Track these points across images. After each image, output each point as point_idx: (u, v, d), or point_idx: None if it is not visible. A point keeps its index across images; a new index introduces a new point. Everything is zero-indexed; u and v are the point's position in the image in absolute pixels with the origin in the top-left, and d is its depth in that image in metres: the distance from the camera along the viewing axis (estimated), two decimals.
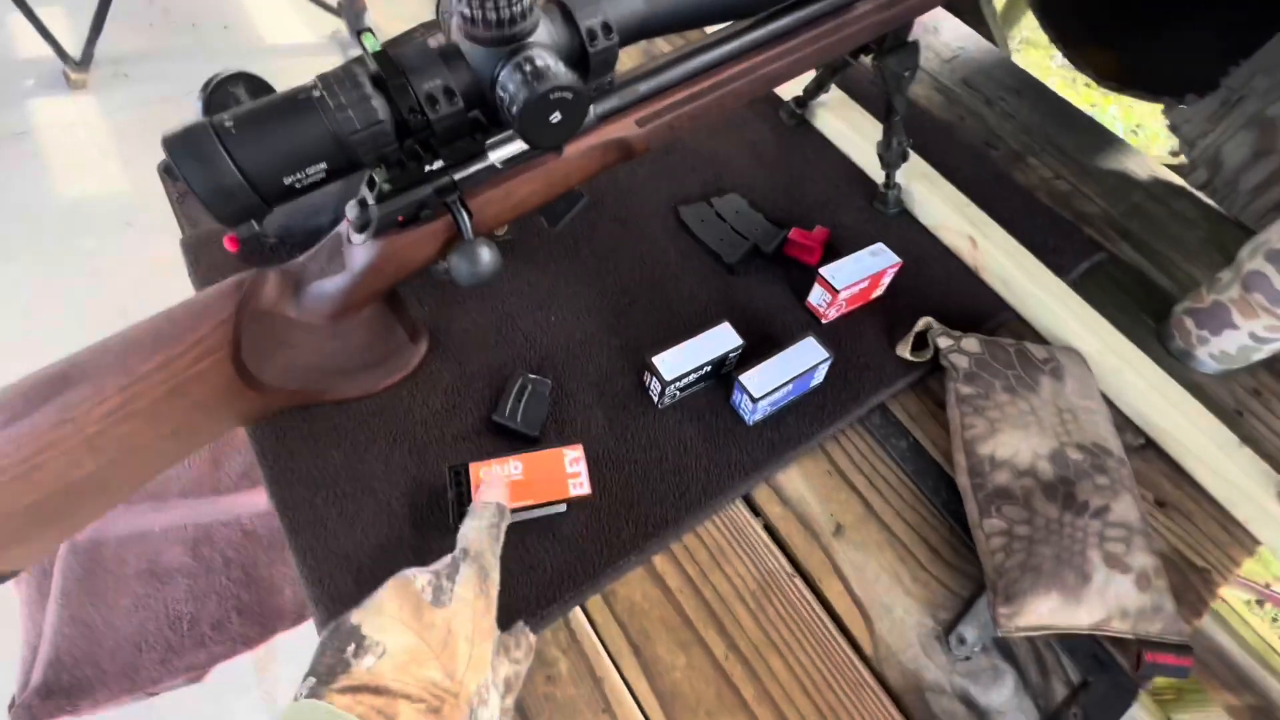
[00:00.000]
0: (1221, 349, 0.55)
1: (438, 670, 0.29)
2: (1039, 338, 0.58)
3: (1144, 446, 0.53)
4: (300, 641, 0.73)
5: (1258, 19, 0.65)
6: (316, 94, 0.29)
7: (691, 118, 0.43)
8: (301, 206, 0.52)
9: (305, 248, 0.54)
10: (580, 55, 0.34)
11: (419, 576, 0.32)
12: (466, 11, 0.30)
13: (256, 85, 0.33)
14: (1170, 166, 0.76)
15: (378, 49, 0.30)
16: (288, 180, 0.30)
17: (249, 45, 1.97)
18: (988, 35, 0.96)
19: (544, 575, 0.42)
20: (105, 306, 1.49)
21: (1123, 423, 0.54)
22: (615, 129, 0.40)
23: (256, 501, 0.86)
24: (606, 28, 0.34)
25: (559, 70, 0.31)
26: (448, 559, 0.34)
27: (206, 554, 0.82)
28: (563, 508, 0.43)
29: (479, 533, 0.36)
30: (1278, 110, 0.63)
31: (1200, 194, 0.71)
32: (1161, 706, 0.77)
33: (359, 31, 0.30)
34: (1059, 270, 0.59)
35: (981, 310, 0.58)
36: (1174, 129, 0.71)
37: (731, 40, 0.42)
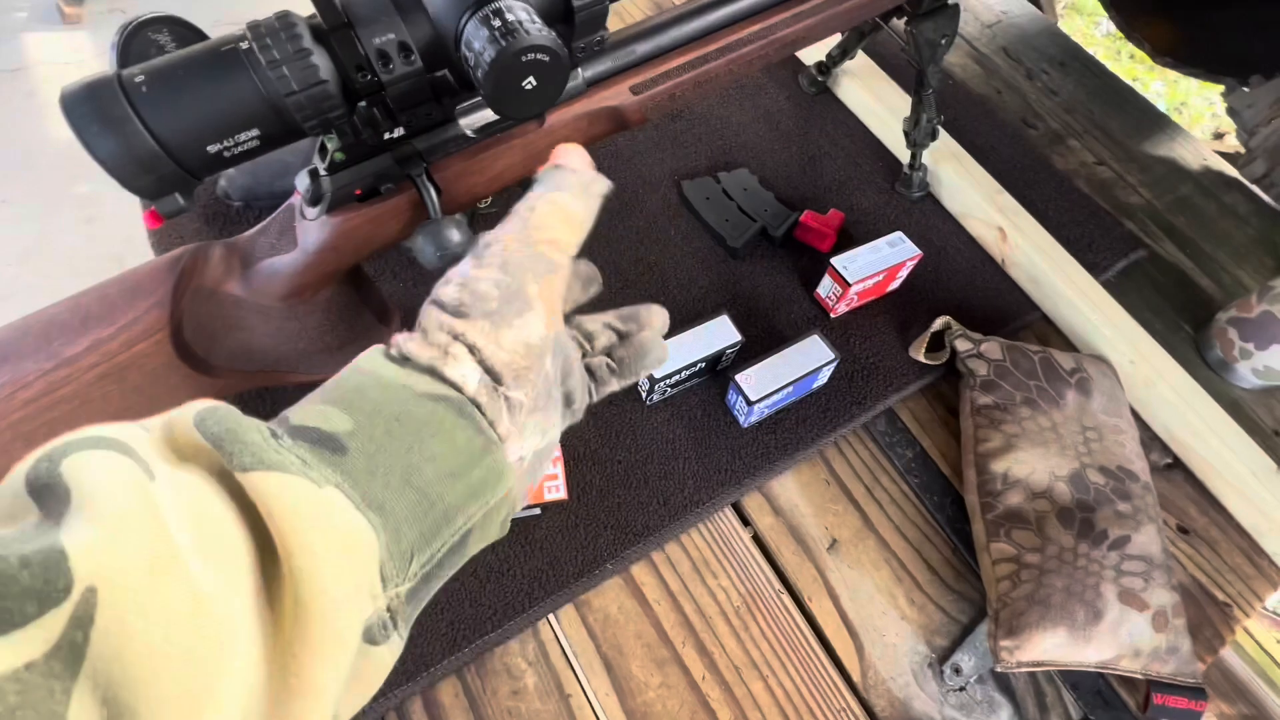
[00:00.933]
0: (1266, 364, 0.50)
1: (544, 314, 0.23)
2: (1067, 343, 0.53)
3: (1171, 466, 0.49)
4: None
5: None
6: (244, 46, 0.25)
7: (696, 85, 0.38)
8: (269, 164, 0.48)
9: (270, 207, 0.50)
10: (564, 8, 0.29)
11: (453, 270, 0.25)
12: None
13: (186, 32, 0.28)
14: (1224, 154, 0.69)
15: None
16: (213, 149, 0.25)
17: None
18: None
19: (513, 581, 0.39)
20: (99, 253, 1.46)
21: (1150, 440, 0.50)
22: (606, 96, 0.35)
23: None
24: None
25: (534, 27, 0.26)
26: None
27: None
28: (537, 511, 0.40)
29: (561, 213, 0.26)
30: None
31: (1255, 188, 0.65)
32: None
33: None
34: (1093, 268, 0.54)
35: (1006, 310, 0.54)
36: (1233, 114, 0.65)
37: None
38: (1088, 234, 0.58)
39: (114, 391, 0.34)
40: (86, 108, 0.23)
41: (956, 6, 0.48)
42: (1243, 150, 0.65)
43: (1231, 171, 0.67)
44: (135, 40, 0.27)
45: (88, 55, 1.71)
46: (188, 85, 0.24)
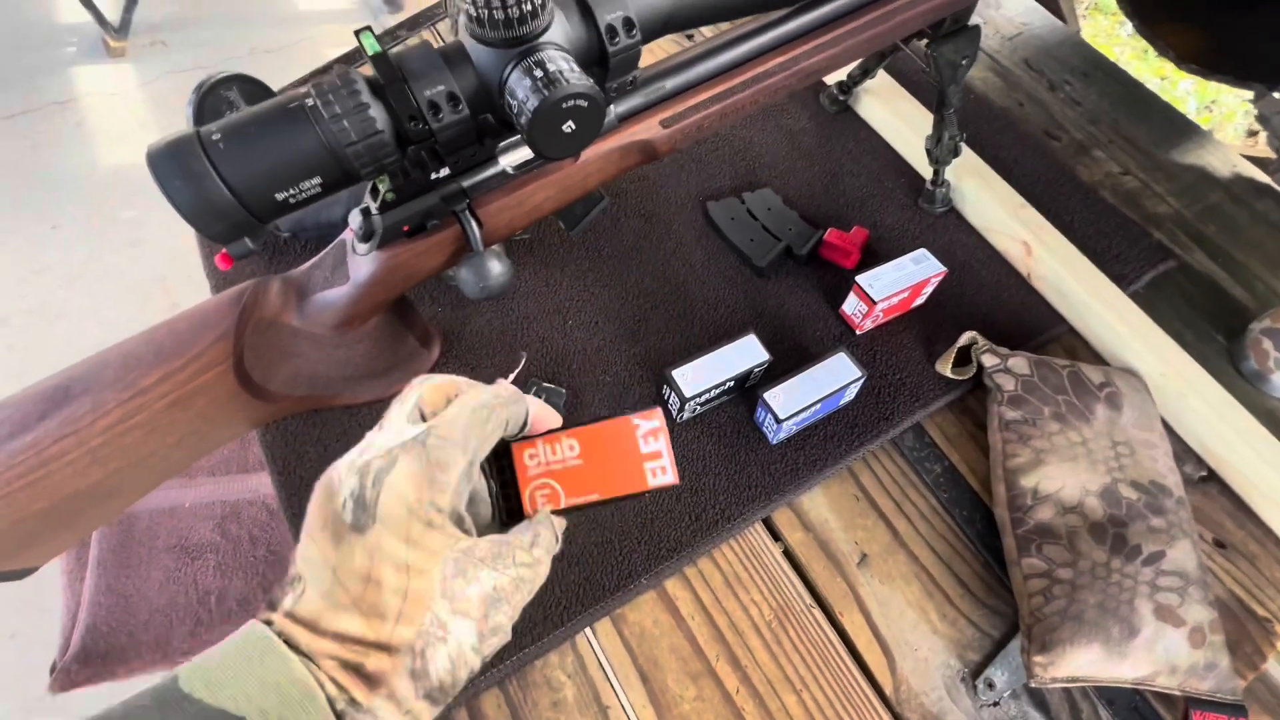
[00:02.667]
0: None
1: (355, 619, 0.23)
2: (1096, 355, 0.53)
3: (1205, 479, 0.49)
4: None
5: None
6: (310, 103, 0.27)
7: (723, 116, 0.40)
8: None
9: (320, 241, 0.53)
10: (599, 54, 0.31)
11: (346, 483, 0.24)
12: (473, 10, 0.27)
13: (254, 88, 0.31)
14: (1254, 159, 0.68)
15: (377, 50, 0.28)
16: (280, 196, 0.28)
17: (283, 13, 1.95)
18: (1054, 9, 0.88)
19: (551, 595, 0.41)
20: (145, 276, 1.52)
21: (1183, 452, 0.49)
22: (638, 130, 0.37)
23: None
24: (628, 23, 0.30)
25: (573, 75, 0.28)
26: (393, 438, 0.25)
27: (234, 531, 0.83)
28: (672, 480, 0.33)
29: (457, 408, 0.26)
30: None
31: None
32: None
33: (357, 31, 0.28)
34: (1121, 280, 0.54)
35: (1033, 323, 0.54)
36: (1263, 120, 0.64)
37: (767, 31, 0.38)
38: (1115, 245, 0.58)
39: (181, 418, 0.36)
40: (170, 164, 0.26)
41: (977, 28, 0.48)
42: (1274, 155, 0.65)
43: (1263, 178, 0.66)
44: (209, 98, 0.29)
45: (131, 86, 1.79)
46: (259, 140, 0.26)
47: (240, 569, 0.81)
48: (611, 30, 0.30)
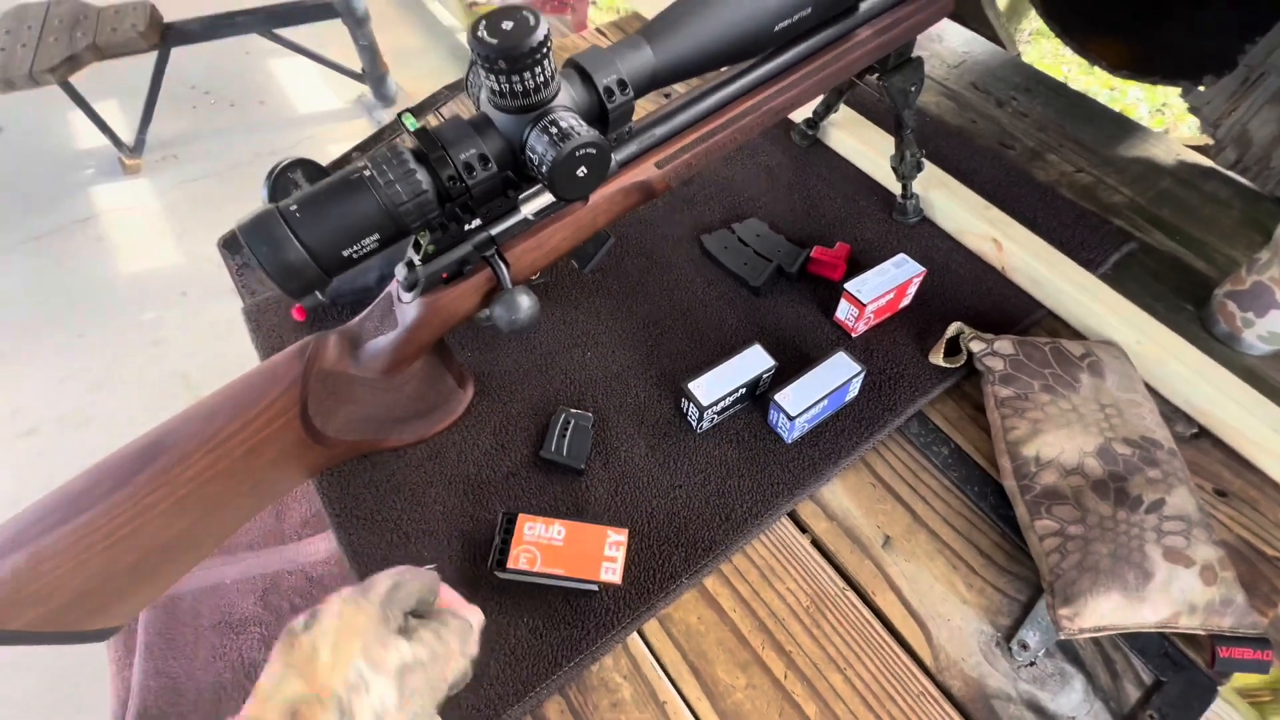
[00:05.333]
0: (1269, 329, 0.54)
1: (298, 682, 0.28)
2: (1076, 334, 0.57)
3: (1197, 435, 0.52)
4: None
5: None
6: (367, 173, 0.32)
7: (707, 154, 0.45)
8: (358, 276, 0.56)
9: (355, 305, 0.58)
10: (600, 111, 0.37)
11: (298, 619, 0.30)
12: (495, 86, 0.33)
13: (312, 169, 0.36)
14: (1197, 148, 0.74)
15: (417, 127, 0.33)
16: (346, 252, 0.33)
17: (283, 117, 2.09)
18: (993, 38, 0.96)
19: (600, 603, 0.43)
20: (166, 372, 1.58)
21: (1172, 413, 0.53)
22: (636, 173, 0.43)
23: (318, 549, 0.89)
24: (622, 84, 0.36)
25: (582, 129, 0.33)
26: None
27: (275, 602, 0.85)
28: (593, 588, 0.43)
29: (424, 637, 0.31)
30: None
31: (1232, 173, 0.70)
32: (1260, 710, 0.73)
33: (400, 113, 0.34)
34: (1089, 264, 0.59)
35: (1014, 311, 0.58)
36: (1194, 111, 0.71)
37: (739, 79, 0.44)
38: (1078, 235, 0.63)
39: (255, 465, 0.40)
40: (257, 234, 0.31)
41: (920, 59, 0.55)
42: (1211, 142, 0.71)
43: (1207, 162, 0.72)
44: (280, 180, 0.34)
45: (147, 199, 1.91)
46: (328, 207, 0.32)
47: None
48: (609, 90, 0.36)
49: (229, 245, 0.65)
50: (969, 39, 0.87)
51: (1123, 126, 0.76)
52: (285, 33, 1.85)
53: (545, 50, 0.32)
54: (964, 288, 0.60)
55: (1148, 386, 0.52)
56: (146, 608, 0.84)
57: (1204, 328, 0.59)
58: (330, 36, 1.91)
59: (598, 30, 0.87)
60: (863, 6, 0.47)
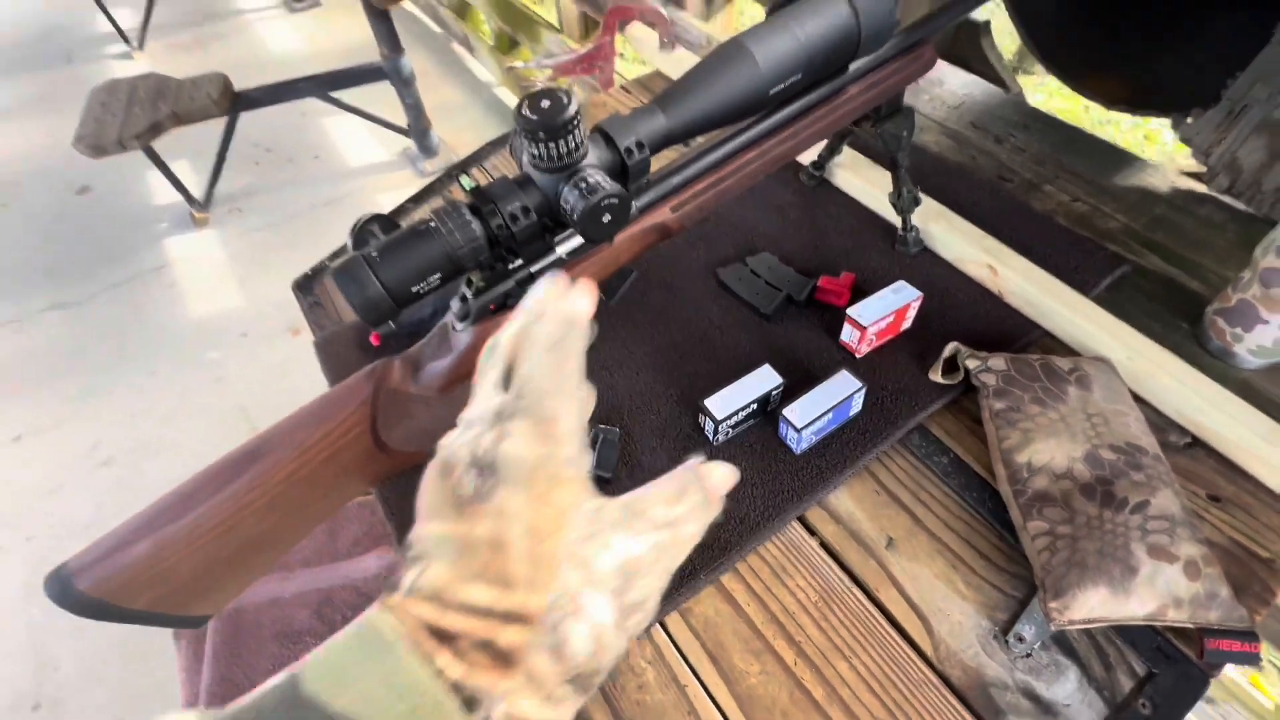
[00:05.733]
0: (1258, 344, 0.57)
1: (483, 588, 0.21)
2: (1070, 351, 0.61)
3: (1191, 445, 0.55)
4: None
5: (1249, 28, 0.69)
6: (433, 225, 0.39)
7: (717, 199, 0.52)
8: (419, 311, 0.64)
9: (412, 335, 0.66)
10: (621, 168, 0.44)
11: (458, 456, 0.23)
12: (535, 151, 0.40)
13: (385, 221, 0.44)
14: (1192, 174, 0.78)
15: (474, 186, 0.41)
16: (414, 289, 0.40)
17: (336, 171, 2.27)
18: (996, 79, 1.02)
19: None
20: (228, 406, 1.70)
21: (1166, 424, 0.56)
22: (654, 217, 0.49)
23: (369, 565, 0.96)
24: (639, 145, 0.43)
25: (607, 183, 0.40)
26: (488, 408, 0.23)
27: (329, 615, 0.92)
28: None
29: (532, 359, 0.24)
30: None
31: (1225, 198, 0.74)
32: None
33: (459, 176, 0.41)
34: (1082, 287, 0.63)
35: (1010, 331, 0.63)
36: (1186, 142, 0.75)
37: (742, 133, 0.51)
38: (1072, 259, 0.67)
39: (330, 472, 0.47)
40: (347, 276, 0.38)
41: (910, 108, 0.61)
42: (1204, 169, 0.74)
43: (1200, 188, 0.76)
44: (361, 232, 0.42)
45: (214, 248, 2.08)
46: (401, 252, 0.39)
47: None
48: (629, 150, 0.43)
49: (301, 287, 0.74)
50: (969, 82, 0.92)
51: (1118, 157, 0.80)
52: (338, 94, 2.03)
53: (576, 123, 0.39)
54: (963, 311, 0.64)
55: (1137, 398, 0.55)
56: (215, 618, 0.91)
57: (1199, 345, 0.62)
58: (378, 95, 2.08)
59: (623, 88, 0.96)
60: (852, 67, 0.53)
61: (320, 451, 0.45)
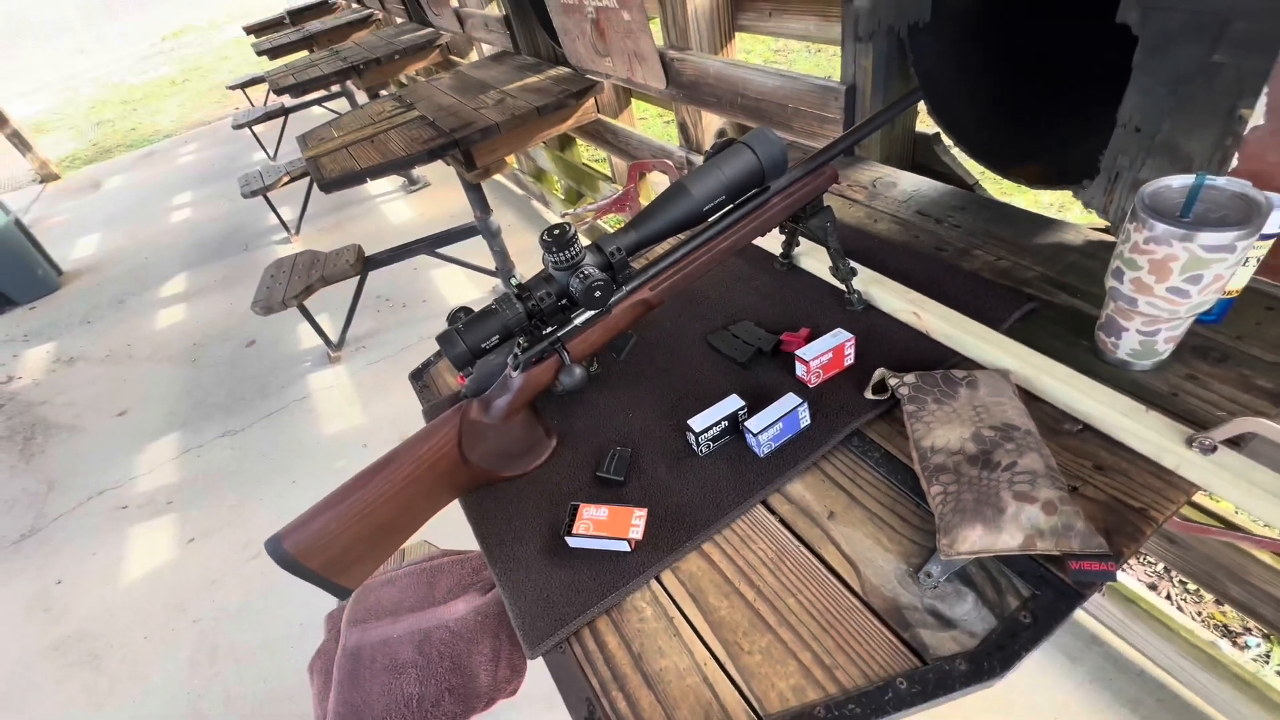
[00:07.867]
0: (1130, 348, 0.71)
1: None
2: (977, 367, 0.77)
3: (1082, 430, 0.68)
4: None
5: (1104, 118, 0.88)
6: (494, 307, 0.66)
7: (685, 281, 0.76)
8: (488, 376, 0.91)
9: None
10: (608, 264, 0.69)
11: None
12: (551, 258, 0.66)
13: (465, 309, 0.71)
14: (1098, 229, 0.94)
15: (518, 283, 0.67)
16: (484, 345, 0.65)
17: (439, 309, 2.74)
18: (958, 180, 1.24)
19: (632, 560, 0.67)
20: None
21: (1060, 415, 0.70)
22: (638, 295, 0.74)
23: (459, 609, 1.16)
24: (619, 250, 0.69)
25: (596, 272, 0.66)
26: None
27: (428, 650, 1.11)
28: (625, 546, 0.68)
29: None
30: (1146, 176, 0.83)
31: None
32: None
33: (510, 278, 0.68)
34: (994, 322, 0.80)
35: (934, 359, 0.80)
36: (1087, 205, 0.92)
37: (697, 238, 0.76)
38: (988, 303, 0.84)
39: (432, 475, 0.71)
40: (445, 340, 0.65)
41: (829, 207, 0.84)
42: (1108, 223, 0.91)
43: (1109, 238, 0.91)
44: (453, 317, 0.69)
45: (344, 379, 2.54)
46: (476, 324, 0.65)
47: (433, 678, 1.07)
48: (614, 253, 0.69)
49: (415, 376, 1.03)
50: (919, 182, 1.15)
51: (1039, 223, 0.98)
52: (443, 250, 2.53)
53: (574, 240, 0.65)
54: (897, 347, 0.82)
55: (1034, 397, 0.70)
56: (340, 654, 1.13)
57: (1098, 358, 0.76)
58: (473, 247, 2.57)
59: None
60: (773, 187, 0.78)
61: (426, 459, 0.70)
